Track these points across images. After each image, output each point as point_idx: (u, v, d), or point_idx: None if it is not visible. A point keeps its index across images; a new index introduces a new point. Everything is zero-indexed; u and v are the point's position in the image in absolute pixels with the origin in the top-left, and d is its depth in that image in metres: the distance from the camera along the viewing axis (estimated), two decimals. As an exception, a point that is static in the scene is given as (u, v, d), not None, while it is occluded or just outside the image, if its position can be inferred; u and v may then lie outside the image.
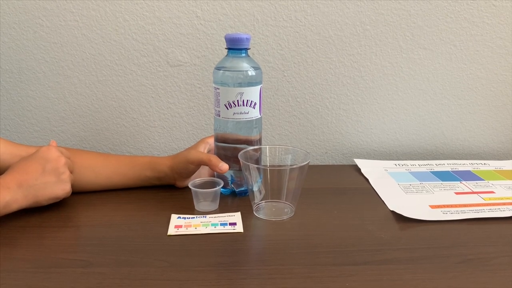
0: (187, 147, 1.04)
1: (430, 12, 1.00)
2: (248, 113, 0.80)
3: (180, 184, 0.85)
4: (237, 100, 0.79)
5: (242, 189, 0.83)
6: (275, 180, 0.74)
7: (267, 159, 0.80)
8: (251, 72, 0.79)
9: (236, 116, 0.80)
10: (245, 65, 0.80)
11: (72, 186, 0.77)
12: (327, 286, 0.58)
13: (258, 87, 0.80)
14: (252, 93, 0.79)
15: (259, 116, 0.82)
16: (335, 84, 1.03)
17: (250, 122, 0.81)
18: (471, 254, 0.65)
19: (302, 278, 0.59)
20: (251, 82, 0.79)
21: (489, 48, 1.02)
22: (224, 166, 0.79)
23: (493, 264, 0.63)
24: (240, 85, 0.79)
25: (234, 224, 0.72)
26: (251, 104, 0.79)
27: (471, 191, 0.86)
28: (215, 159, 0.80)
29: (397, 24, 1.00)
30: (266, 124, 1.04)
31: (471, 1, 0.99)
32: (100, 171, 0.83)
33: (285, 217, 0.76)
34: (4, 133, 1.01)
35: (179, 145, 1.04)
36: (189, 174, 0.83)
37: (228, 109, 0.80)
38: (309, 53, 1.01)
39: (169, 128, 1.03)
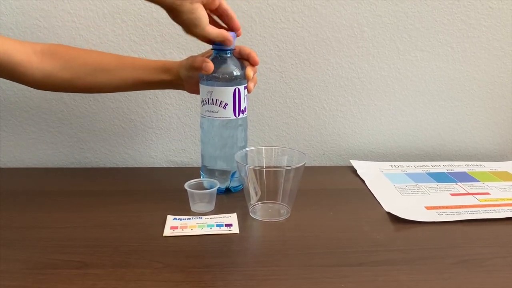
0: (184, 148, 1.05)
1: (427, 13, 1.00)
2: (217, 112, 0.80)
3: (188, 89, 0.85)
4: (207, 98, 0.80)
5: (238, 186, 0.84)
6: (271, 181, 0.74)
7: (263, 160, 0.80)
8: (221, 73, 0.79)
9: (207, 113, 0.81)
10: (222, 66, 0.79)
11: (88, 87, 0.84)
12: (322, 287, 0.58)
13: (231, 88, 0.79)
14: (222, 93, 0.79)
15: (233, 117, 0.81)
16: (332, 85, 1.03)
17: (227, 121, 0.80)
18: (467, 255, 0.66)
19: (297, 279, 0.59)
20: (221, 82, 0.79)
21: (486, 50, 1.03)
22: (208, 66, 0.77)
23: (488, 265, 0.63)
24: (211, 83, 0.79)
25: (230, 225, 0.73)
26: (220, 104, 0.79)
27: (466, 192, 0.86)
28: (199, 60, 0.78)
29: (394, 25, 1.00)
30: (263, 125, 1.04)
31: (468, 3, 1.00)
32: (115, 73, 0.83)
33: (281, 218, 0.76)
34: (2, 134, 1.01)
35: (176, 146, 1.05)
36: (191, 80, 0.83)
37: (202, 105, 0.81)
38: (307, 55, 1.01)
39: (166, 129, 1.04)
